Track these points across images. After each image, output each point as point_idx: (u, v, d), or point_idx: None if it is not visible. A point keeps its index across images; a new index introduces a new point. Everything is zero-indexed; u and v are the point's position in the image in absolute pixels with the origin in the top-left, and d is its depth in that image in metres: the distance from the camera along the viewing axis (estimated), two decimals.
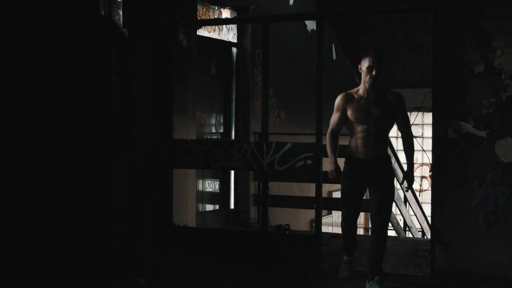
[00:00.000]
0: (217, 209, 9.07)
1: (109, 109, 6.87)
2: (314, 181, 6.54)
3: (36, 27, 5.18)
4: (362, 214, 12.17)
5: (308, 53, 8.80)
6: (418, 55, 12.31)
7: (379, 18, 11.37)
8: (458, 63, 5.91)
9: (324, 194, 9.89)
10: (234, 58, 9.20)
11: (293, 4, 10.20)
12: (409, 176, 5.57)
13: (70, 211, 5.98)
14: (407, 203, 10.25)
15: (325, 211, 10.94)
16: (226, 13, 9.04)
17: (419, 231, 10.86)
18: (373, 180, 5.54)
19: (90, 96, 6.55)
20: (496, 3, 5.78)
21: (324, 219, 10.82)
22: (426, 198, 13.54)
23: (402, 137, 5.66)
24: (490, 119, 5.80)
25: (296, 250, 6.59)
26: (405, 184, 5.63)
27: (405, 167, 5.87)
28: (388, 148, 5.85)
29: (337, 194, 11.22)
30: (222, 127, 9.16)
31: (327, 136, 5.71)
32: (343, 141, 5.86)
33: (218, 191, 9.13)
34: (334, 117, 5.66)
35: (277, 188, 9.18)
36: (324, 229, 9.60)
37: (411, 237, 10.09)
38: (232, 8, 9.09)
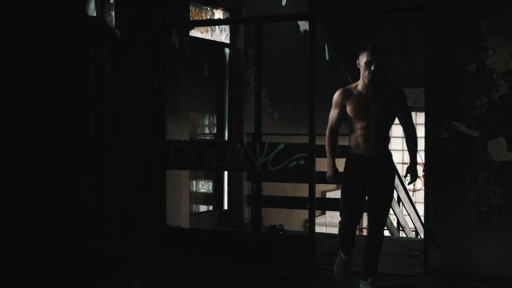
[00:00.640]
0: (210, 210, 9.07)
1: (102, 110, 6.87)
2: (307, 181, 6.54)
3: (22, 28, 5.17)
4: None
5: (301, 54, 8.80)
6: (411, 55, 12.33)
7: (372, 18, 11.37)
8: (450, 62, 5.92)
9: (318, 194, 9.90)
10: (227, 59, 9.19)
11: (285, 4, 10.20)
12: (413, 170, 5.40)
13: (63, 213, 5.99)
14: (401, 203, 10.27)
15: (319, 211, 10.95)
16: (218, 14, 9.04)
17: (412, 230, 10.88)
18: (374, 179, 5.34)
19: (81, 97, 6.56)
20: (488, 3, 5.79)
21: (318, 219, 10.82)
22: (419, 197, 13.57)
23: (405, 132, 5.50)
24: (483, 119, 5.82)
25: (290, 251, 6.59)
26: (408, 177, 5.45)
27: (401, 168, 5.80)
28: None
29: (330, 194, 11.24)
30: (215, 128, 9.15)
31: (327, 134, 5.50)
32: (341, 142, 5.65)
33: (212, 191, 9.12)
34: (333, 113, 5.47)
35: (271, 188, 9.18)
36: (318, 229, 9.60)
37: (404, 237, 10.11)
38: (225, 9, 9.09)
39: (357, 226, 5.87)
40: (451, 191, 5.92)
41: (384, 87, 5.41)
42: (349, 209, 5.44)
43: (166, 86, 7.11)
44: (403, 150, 14.55)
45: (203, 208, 8.97)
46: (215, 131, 9.13)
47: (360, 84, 5.38)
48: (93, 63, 6.82)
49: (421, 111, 12.74)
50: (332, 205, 10.02)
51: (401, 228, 10.73)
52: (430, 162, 5.98)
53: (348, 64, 12.61)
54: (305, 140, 6.58)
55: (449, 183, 5.93)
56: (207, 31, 8.78)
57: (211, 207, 9.10)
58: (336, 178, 5.46)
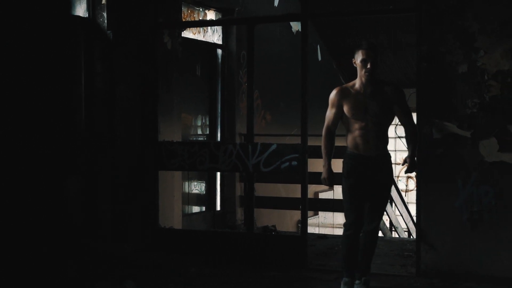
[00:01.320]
0: (203, 211, 9.07)
1: (93, 111, 6.86)
2: (300, 182, 6.54)
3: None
4: None
5: (293, 54, 8.81)
6: (403, 55, 12.35)
7: (364, 19, 11.39)
8: (442, 63, 5.94)
9: (310, 195, 9.89)
10: (219, 60, 9.19)
11: (278, 5, 10.20)
12: (412, 160, 5.24)
13: (53, 214, 5.95)
14: (393, 203, 10.29)
15: (311, 212, 10.95)
16: (210, 15, 9.04)
17: (405, 231, 10.91)
18: (373, 179, 5.20)
19: (71, 98, 6.54)
20: (478, 4, 5.81)
21: (311, 220, 10.83)
22: (411, 198, 13.59)
23: (406, 132, 5.32)
24: (474, 119, 5.84)
25: (282, 251, 6.59)
26: (405, 167, 5.29)
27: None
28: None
29: (323, 195, 11.25)
30: (207, 129, 9.15)
31: (323, 134, 5.31)
32: (338, 142, 5.50)
33: (204, 192, 9.12)
34: (330, 113, 5.28)
35: (263, 189, 9.18)
36: (311, 230, 9.60)
37: (397, 237, 10.13)
38: (217, 10, 9.09)
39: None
40: (443, 192, 5.94)
41: (382, 85, 5.25)
42: (352, 208, 5.24)
43: (158, 87, 7.10)
44: (395, 151, 14.57)
45: (195, 209, 8.97)
46: (207, 132, 9.13)
47: (357, 83, 5.21)
48: (85, 63, 6.81)
49: (413, 111, 12.72)
50: (324, 206, 10.05)
51: (393, 229, 10.76)
52: (422, 162, 6.00)
53: (340, 65, 12.62)
54: (297, 141, 6.58)
55: (441, 183, 5.94)
56: (199, 32, 8.78)
57: (203, 208, 9.10)
58: (331, 180, 5.30)
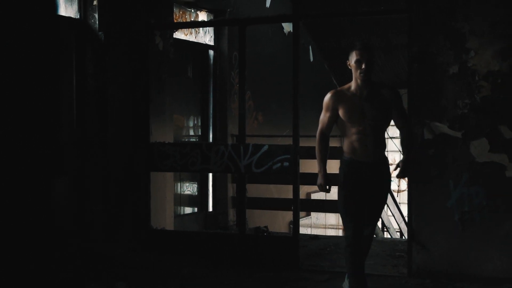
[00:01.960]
0: (195, 212, 9.07)
1: (84, 112, 6.84)
2: (292, 183, 6.54)
3: None
4: None
5: (285, 55, 8.82)
6: (394, 56, 12.39)
7: (355, 20, 11.43)
8: (432, 64, 5.96)
9: (302, 196, 9.91)
10: (211, 61, 9.20)
11: (269, 6, 10.22)
12: (405, 165, 5.15)
13: (39, 215, 5.88)
14: (385, 204, 10.30)
15: (303, 212, 10.97)
16: (202, 16, 9.04)
17: (397, 231, 10.94)
18: (371, 184, 5.00)
19: (57, 98, 6.50)
20: (469, 5, 5.83)
21: (303, 221, 10.85)
22: (403, 198, 13.63)
23: (401, 134, 5.15)
24: (465, 120, 5.86)
25: (274, 252, 6.59)
26: (398, 170, 5.19)
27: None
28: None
29: (315, 196, 11.27)
30: (199, 130, 9.15)
31: (317, 138, 5.13)
32: (332, 143, 5.43)
33: (196, 193, 9.12)
34: (324, 117, 5.08)
35: (255, 190, 9.18)
36: (303, 230, 9.62)
37: (388, 238, 10.17)
38: (209, 11, 9.09)
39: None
40: (434, 192, 5.96)
41: (378, 87, 5.05)
42: (350, 219, 5.00)
43: (150, 88, 7.10)
44: (387, 151, 14.58)
45: (187, 210, 8.96)
46: (199, 133, 9.13)
47: (353, 85, 5.00)
48: (76, 64, 6.80)
49: None
50: (316, 206, 10.05)
51: (385, 229, 10.79)
52: (413, 163, 6.01)
53: (332, 66, 12.65)
54: (289, 141, 6.59)
55: (432, 183, 5.96)
56: (191, 33, 8.78)
57: (195, 209, 9.10)
58: (326, 186, 5.12)
